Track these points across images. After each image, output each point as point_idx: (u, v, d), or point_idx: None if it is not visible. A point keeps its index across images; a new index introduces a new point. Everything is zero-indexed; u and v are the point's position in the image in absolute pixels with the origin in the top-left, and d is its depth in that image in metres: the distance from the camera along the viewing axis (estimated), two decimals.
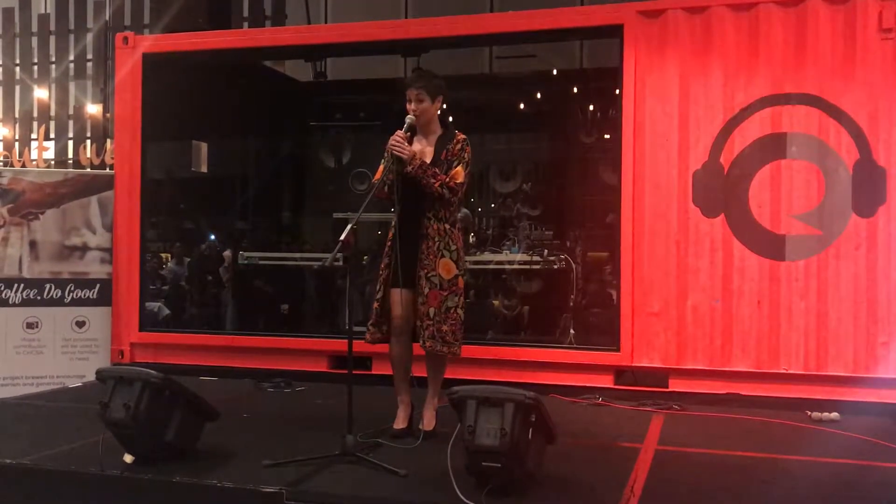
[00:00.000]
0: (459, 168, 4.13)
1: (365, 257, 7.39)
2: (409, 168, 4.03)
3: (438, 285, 4.10)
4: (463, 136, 4.22)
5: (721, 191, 5.35)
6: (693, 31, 5.41)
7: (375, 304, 4.26)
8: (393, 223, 4.25)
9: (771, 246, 5.25)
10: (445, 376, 4.33)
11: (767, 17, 5.28)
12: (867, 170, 5.12)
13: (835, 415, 4.85)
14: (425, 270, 4.10)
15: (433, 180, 4.05)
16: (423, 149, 4.23)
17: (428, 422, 4.24)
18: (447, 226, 4.15)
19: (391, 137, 4.11)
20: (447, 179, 4.07)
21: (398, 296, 4.18)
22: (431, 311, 4.09)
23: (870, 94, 5.13)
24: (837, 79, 5.18)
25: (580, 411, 5.09)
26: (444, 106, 4.32)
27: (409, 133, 4.19)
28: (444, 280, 4.12)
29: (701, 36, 5.40)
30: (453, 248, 4.16)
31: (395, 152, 4.04)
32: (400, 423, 4.27)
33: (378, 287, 4.26)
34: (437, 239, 4.12)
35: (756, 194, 5.29)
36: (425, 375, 4.32)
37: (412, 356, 4.30)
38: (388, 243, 4.26)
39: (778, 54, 5.27)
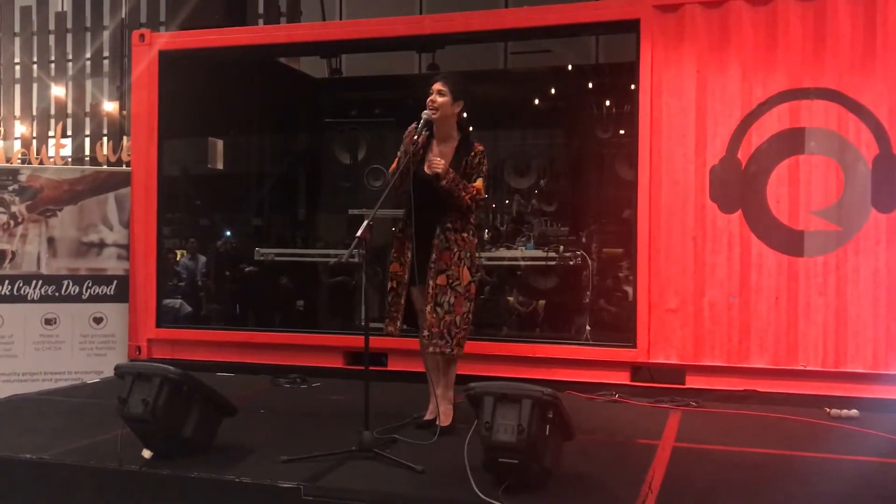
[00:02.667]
0: (480, 182, 4.21)
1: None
2: (444, 182, 4.05)
3: (460, 293, 4.17)
4: (481, 148, 4.25)
5: (738, 186, 5.31)
6: (710, 26, 5.38)
7: (387, 300, 4.30)
8: (403, 221, 4.29)
9: (789, 242, 5.22)
10: (460, 373, 4.35)
11: (785, 11, 5.24)
12: (887, 164, 5.07)
13: (854, 412, 4.81)
14: (451, 281, 4.14)
15: (464, 194, 4.11)
16: (437, 152, 4.23)
17: (444, 417, 4.25)
18: (465, 234, 4.22)
19: (406, 133, 4.16)
20: (475, 193, 4.15)
21: (420, 294, 4.23)
22: (458, 319, 4.16)
23: (890, 88, 5.08)
24: (857, 73, 5.13)
25: (597, 408, 5.08)
26: (464, 114, 4.31)
27: (424, 130, 4.18)
28: (464, 286, 4.19)
29: (718, 30, 5.36)
30: (466, 255, 4.22)
31: (433, 169, 4.05)
32: (429, 415, 4.36)
33: (391, 283, 4.29)
34: (456, 249, 4.18)
35: (774, 190, 5.25)
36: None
37: None
38: (397, 241, 4.31)
39: (796, 49, 5.23)
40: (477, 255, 4.35)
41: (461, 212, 4.19)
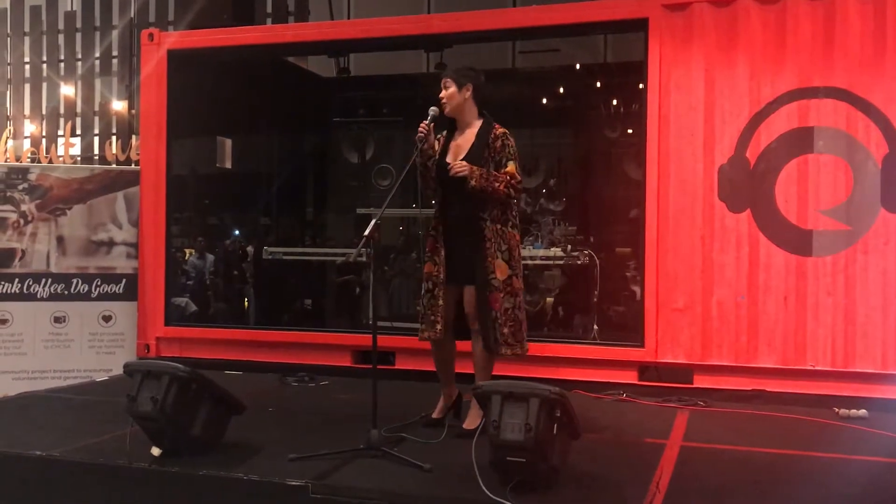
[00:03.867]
0: (512, 165, 4.08)
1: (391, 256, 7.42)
2: (475, 184, 3.97)
3: (497, 287, 4.07)
4: (502, 130, 4.16)
5: (747, 186, 5.30)
6: (719, 25, 5.36)
7: (422, 302, 4.20)
8: (434, 218, 4.22)
9: (798, 241, 5.20)
10: (466, 371, 4.31)
11: (795, 9, 5.22)
12: None
13: (863, 412, 4.79)
14: (487, 274, 4.06)
15: (498, 184, 4.00)
16: (459, 142, 4.21)
17: (472, 420, 4.14)
18: (499, 226, 4.10)
19: (418, 129, 4.10)
20: (509, 179, 4.03)
21: (448, 294, 4.17)
22: (494, 313, 4.06)
23: None
24: (866, 72, 5.11)
25: (604, 407, 5.08)
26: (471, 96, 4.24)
27: (433, 124, 4.17)
28: (500, 282, 4.08)
29: (727, 29, 5.35)
30: (505, 247, 4.10)
31: (456, 174, 3.99)
32: (437, 414, 4.32)
33: (426, 285, 4.19)
34: (493, 240, 4.08)
35: (783, 189, 5.24)
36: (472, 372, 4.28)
37: (456, 351, 4.31)
38: (430, 240, 4.21)
39: (805, 47, 5.21)
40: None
41: (499, 202, 4.08)
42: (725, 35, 5.35)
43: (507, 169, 4.07)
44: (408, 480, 3.47)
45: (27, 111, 10.43)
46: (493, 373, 4.20)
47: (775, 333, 5.22)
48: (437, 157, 4.19)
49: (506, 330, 4.07)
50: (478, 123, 4.20)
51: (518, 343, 4.12)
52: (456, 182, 4.05)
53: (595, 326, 6.31)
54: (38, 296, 6.66)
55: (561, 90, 8.09)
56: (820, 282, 5.15)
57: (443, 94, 4.16)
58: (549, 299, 7.20)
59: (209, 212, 8.49)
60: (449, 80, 4.16)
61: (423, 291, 4.22)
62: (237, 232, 8.54)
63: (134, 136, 8.38)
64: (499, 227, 4.10)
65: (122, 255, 6.85)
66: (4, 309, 6.60)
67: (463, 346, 4.29)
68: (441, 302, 4.12)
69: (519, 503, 3.10)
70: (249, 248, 8.34)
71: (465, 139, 4.19)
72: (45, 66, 10.24)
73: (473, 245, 4.10)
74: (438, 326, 4.13)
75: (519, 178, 4.11)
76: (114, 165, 7.69)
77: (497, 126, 4.17)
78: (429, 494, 3.34)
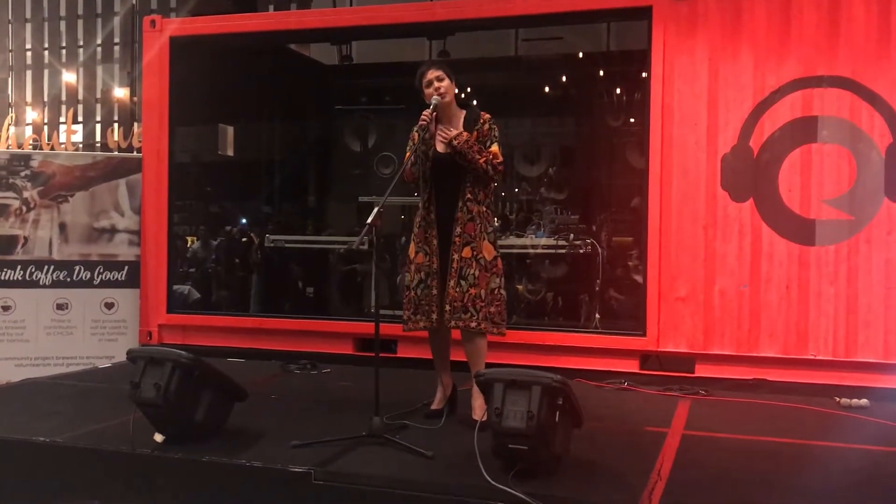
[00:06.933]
0: (496, 146, 4.12)
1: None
2: (456, 143, 4.02)
3: (485, 267, 4.09)
4: (489, 116, 4.21)
5: (750, 175, 5.29)
6: (723, 13, 5.34)
7: (412, 294, 4.18)
8: (423, 208, 4.22)
9: (800, 231, 5.20)
10: (464, 360, 4.32)
11: None
12: None
13: (864, 401, 4.80)
14: (475, 253, 4.08)
15: (478, 156, 4.04)
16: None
17: (479, 410, 4.08)
18: (484, 208, 4.15)
19: (420, 117, 4.11)
20: (490, 157, 4.07)
21: (442, 283, 4.15)
22: (483, 293, 4.05)
23: None
24: (871, 61, 5.09)
25: (606, 396, 5.09)
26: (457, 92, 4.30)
27: (434, 113, 4.17)
28: (487, 261, 4.09)
29: (731, 17, 5.33)
30: (490, 229, 4.15)
31: (440, 137, 4.09)
32: (436, 405, 4.33)
33: (419, 275, 4.17)
34: (479, 220, 4.11)
35: (786, 178, 5.23)
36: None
37: (450, 339, 4.30)
38: (420, 231, 4.21)
39: (810, 36, 5.19)
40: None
41: (481, 182, 4.11)
42: (729, 23, 5.33)
43: (492, 149, 4.11)
44: (410, 467, 3.48)
45: (29, 98, 10.44)
46: (493, 361, 4.18)
47: (777, 323, 5.22)
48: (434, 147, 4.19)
49: (492, 309, 4.08)
50: (461, 114, 4.24)
51: (503, 322, 4.14)
52: (446, 167, 4.09)
53: (597, 315, 6.31)
54: (41, 283, 6.68)
55: (564, 78, 8.06)
56: (822, 271, 5.15)
57: (441, 86, 4.14)
58: (550, 292, 7.18)
59: (211, 199, 8.49)
60: (443, 72, 4.18)
61: (415, 282, 4.17)
62: (244, 220, 8.53)
63: (136, 124, 8.38)
64: (484, 209, 4.15)
65: (124, 242, 6.86)
66: (7, 296, 6.62)
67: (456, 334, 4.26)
68: (435, 291, 4.13)
69: (521, 490, 3.11)
70: (253, 236, 8.34)
71: (454, 128, 4.19)
72: (46, 52, 10.25)
73: (454, 226, 4.10)
74: (434, 316, 4.13)
75: (501, 158, 4.13)
76: (116, 153, 7.69)
77: (483, 113, 4.22)
78: (431, 481, 3.35)
